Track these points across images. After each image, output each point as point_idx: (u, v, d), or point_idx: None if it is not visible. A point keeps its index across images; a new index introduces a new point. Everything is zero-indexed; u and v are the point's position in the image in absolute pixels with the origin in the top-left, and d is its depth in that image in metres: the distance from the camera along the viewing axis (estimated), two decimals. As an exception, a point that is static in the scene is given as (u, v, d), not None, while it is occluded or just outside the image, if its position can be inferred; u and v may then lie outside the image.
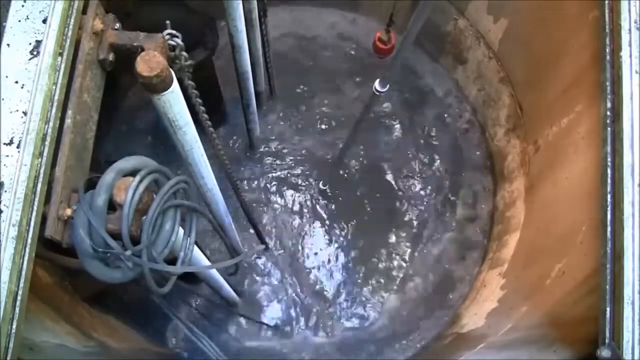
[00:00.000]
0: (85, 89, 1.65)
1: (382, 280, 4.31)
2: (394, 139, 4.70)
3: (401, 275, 4.33)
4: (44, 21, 1.56)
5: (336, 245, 4.39)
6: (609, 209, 1.83)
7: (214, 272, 2.85)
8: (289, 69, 4.83)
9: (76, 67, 1.61)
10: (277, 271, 4.28)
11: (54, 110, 1.52)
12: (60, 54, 1.56)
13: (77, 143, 1.61)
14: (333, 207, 4.48)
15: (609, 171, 1.86)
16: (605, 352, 1.67)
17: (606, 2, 1.99)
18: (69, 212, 1.51)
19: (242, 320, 4.09)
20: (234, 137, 4.58)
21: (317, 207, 4.48)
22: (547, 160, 3.47)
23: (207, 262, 2.34)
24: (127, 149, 4.41)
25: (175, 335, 4.00)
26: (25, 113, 1.48)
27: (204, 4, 3.51)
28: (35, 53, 1.53)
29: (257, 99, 3.93)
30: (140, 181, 1.50)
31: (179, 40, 1.73)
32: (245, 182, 4.46)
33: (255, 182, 4.51)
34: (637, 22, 1.91)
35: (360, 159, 4.62)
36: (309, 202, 4.48)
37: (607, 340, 1.70)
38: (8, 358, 1.39)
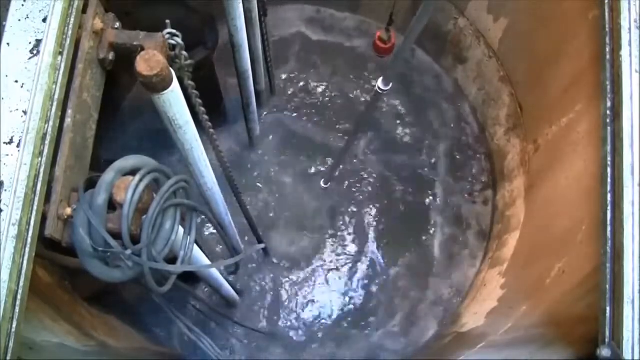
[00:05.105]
0: (85, 88, 1.65)
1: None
2: (392, 136, 4.71)
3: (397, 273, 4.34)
4: (44, 20, 1.56)
5: (337, 241, 4.39)
6: (608, 208, 1.82)
7: (214, 272, 2.85)
8: (289, 68, 4.82)
9: (76, 67, 1.61)
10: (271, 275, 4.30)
11: (54, 110, 1.52)
12: (60, 53, 1.56)
13: (77, 142, 1.61)
14: (333, 205, 4.49)
15: (608, 170, 1.85)
16: (605, 352, 1.67)
17: (606, 1, 1.98)
18: (69, 211, 1.51)
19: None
20: (234, 137, 4.58)
21: (318, 207, 4.48)
22: (547, 159, 3.47)
23: (207, 261, 2.34)
24: (126, 148, 4.42)
25: (175, 335, 3.99)
26: (25, 112, 1.48)
27: (204, 3, 3.50)
28: (35, 52, 1.53)
29: (258, 99, 3.93)
30: (140, 180, 1.50)
31: (179, 40, 1.73)
32: (245, 181, 4.45)
33: (255, 182, 4.51)
34: (637, 21, 1.90)
35: (360, 157, 4.62)
36: (309, 202, 4.48)
37: (607, 340, 1.69)
38: (8, 357, 1.39)
